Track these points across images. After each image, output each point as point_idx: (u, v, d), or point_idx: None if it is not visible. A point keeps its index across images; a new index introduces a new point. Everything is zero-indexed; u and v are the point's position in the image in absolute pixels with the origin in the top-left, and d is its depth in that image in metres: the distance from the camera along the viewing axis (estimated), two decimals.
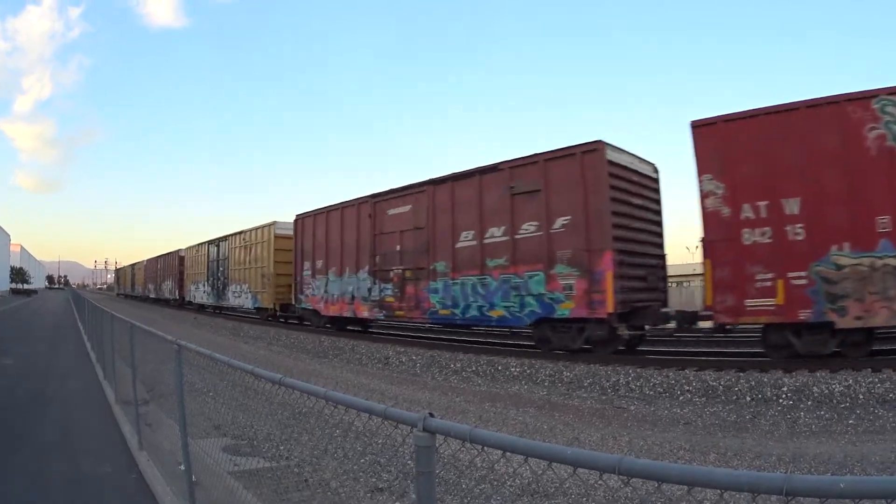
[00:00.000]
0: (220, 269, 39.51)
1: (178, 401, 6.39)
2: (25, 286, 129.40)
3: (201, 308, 45.31)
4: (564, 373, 14.32)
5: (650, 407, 11.70)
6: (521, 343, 20.06)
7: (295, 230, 27.94)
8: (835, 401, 10.73)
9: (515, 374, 15.06)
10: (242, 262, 35.05)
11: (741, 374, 12.39)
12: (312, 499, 6.31)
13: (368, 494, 6.32)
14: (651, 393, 12.55)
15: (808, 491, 1.77)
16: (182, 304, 51.51)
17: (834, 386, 11.04)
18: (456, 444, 2.63)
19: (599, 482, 2.25)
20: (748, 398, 11.42)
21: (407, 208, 20.36)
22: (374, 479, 6.73)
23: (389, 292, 20.98)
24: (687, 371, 13.17)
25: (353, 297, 23.05)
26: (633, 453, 8.33)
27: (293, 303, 28.30)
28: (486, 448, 2.51)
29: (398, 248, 20.64)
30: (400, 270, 20.49)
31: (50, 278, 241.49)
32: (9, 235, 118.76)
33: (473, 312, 17.65)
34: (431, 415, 2.74)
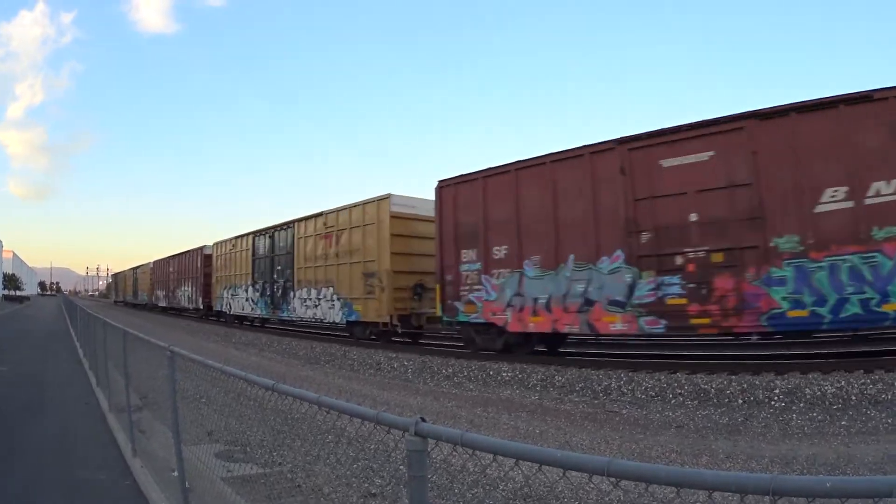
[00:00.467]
0: (278, 267, 29.12)
1: (172, 407, 6.41)
2: (18, 293, 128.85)
3: (240, 321, 35.55)
4: (556, 377, 14.29)
5: (642, 411, 11.70)
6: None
7: (439, 204, 18.97)
8: (827, 402, 10.69)
9: (507, 378, 15.04)
10: (321, 256, 24.93)
11: (733, 376, 12.34)
12: None
13: (361, 500, 6.33)
14: (643, 397, 12.52)
15: (795, 491, 1.79)
16: (206, 314, 41.57)
17: (826, 387, 11.00)
18: (448, 448, 2.66)
19: (591, 485, 2.27)
20: (740, 400, 11.42)
21: (705, 156, 13.42)
22: (366, 485, 6.74)
23: (677, 289, 13.53)
24: (678, 374, 13.09)
25: (586, 302, 14.89)
26: (624, 457, 8.36)
27: (441, 313, 18.79)
28: (477, 452, 2.57)
29: (693, 217, 13.39)
30: (702, 254, 13.24)
31: (42, 285, 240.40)
32: (1, 242, 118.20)
33: (854, 310, 11.75)
34: (423, 419, 2.77)
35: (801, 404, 10.81)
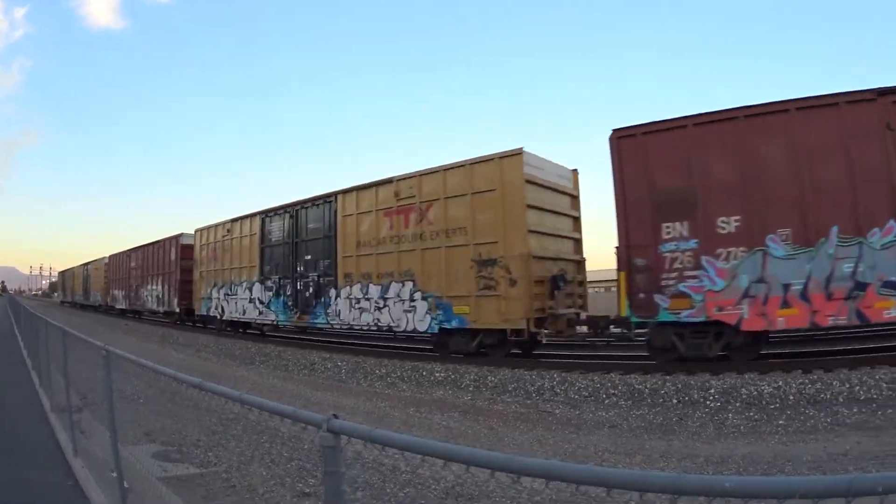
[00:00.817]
0: (306, 256, 21.84)
1: (108, 407, 6.35)
2: None
3: (234, 329, 27.35)
4: (489, 378, 14.18)
5: (575, 410, 11.64)
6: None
7: (618, 162, 13.95)
8: (764, 402, 10.69)
9: (440, 379, 14.91)
10: (389, 238, 18.22)
11: (667, 376, 12.31)
12: None
13: (295, 499, 6.27)
14: (576, 397, 12.43)
15: (695, 490, 1.78)
16: (183, 319, 33.22)
17: (763, 387, 11.00)
18: (379, 449, 2.69)
19: (521, 485, 2.26)
20: (675, 400, 11.40)
21: None
22: (300, 485, 6.70)
23: None
24: (612, 375, 13.03)
25: (857, 286, 11.59)
26: (557, 457, 8.38)
27: (626, 313, 13.56)
28: (386, 449, 2.63)
29: None
30: None
31: None
32: None
33: None
34: (335, 416, 2.82)
35: (738, 404, 10.80)
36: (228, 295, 26.88)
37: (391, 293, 17.96)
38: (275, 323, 24.18)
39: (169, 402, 5.93)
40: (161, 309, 36.11)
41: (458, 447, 2.39)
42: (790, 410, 10.20)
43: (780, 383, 11.00)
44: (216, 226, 28.71)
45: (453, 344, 16.60)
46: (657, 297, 13.04)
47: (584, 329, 16.12)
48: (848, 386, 10.53)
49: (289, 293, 22.40)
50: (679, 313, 12.79)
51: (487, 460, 2.19)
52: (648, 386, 12.05)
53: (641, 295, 13.25)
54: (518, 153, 15.42)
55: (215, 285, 28.19)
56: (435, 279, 16.79)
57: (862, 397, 10.24)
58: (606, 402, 11.99)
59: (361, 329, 20.08)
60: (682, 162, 13.04)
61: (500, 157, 15.70)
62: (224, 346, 23.63)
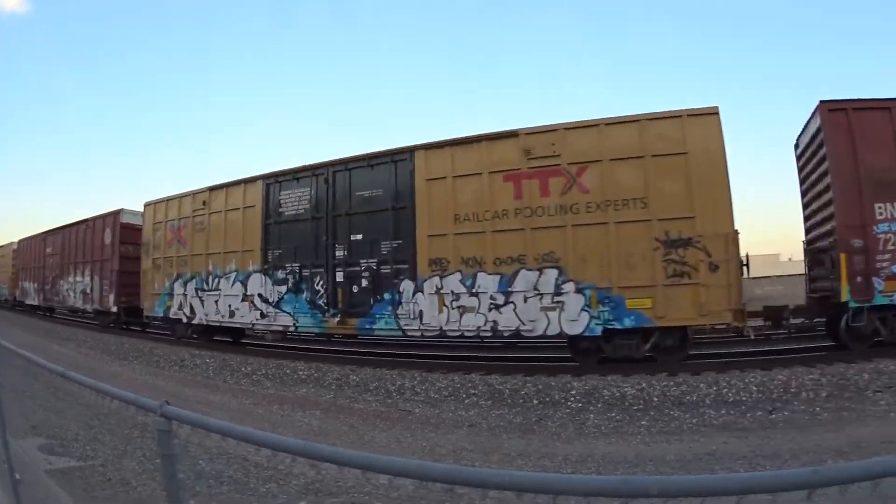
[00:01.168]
0: (354, 235, 15.42)
1: None
2: None
3: (203, 336, 19.81)
4: (351, 376, 14.07)
5: (435, 410, 11.49)
6: (308, 346, 18.83)
7: (833, 140, 12.51)
8: (627, 403, 10.61)
9: (303, 377, 14.70)
10: (509, 211, 13.36)
11: (528, 377, 12.28)
12: (115, 497, 6.23)
13: (164, 493, 6.26)
14: (436, 396, 12.28)
15: (469, 481, 1.95)
16: (118, 320, 24.60)
17: (626, 389, 10.97)
18: (250, 448, 2.91)
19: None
20: (535, 401, 11.27)
21: None
22: None
23: None
24: (473, 375, 12.94)
25: None
26: (416, 455, 8.37)
27: (846, 297, 12.01)
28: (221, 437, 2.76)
29: None
30: None
31: None
32: None
33: None
34: (168, 402, 3.03)
35: (599, 405, 10.70)
36: (203, 290, 19.15)
37: (520, 285, 13.12)
38: (289, 330, 17.18)
39: (52, 397, 5.83)
40: (89, 307, 26.89)
41: (267, 435, 2.58)
42: (654, 411, 10.13)
43: (644, 385, 11.03)
44: (181, 197, 20.56)
45: (614, 348, 12.73)
46: (875, 280, 11.95)
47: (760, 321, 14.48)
48: (716, 388, 10.60)
49: (319, 288, 15.98)
50: (892, 296, 11.87)
51: (283, 445, 2.49)
52: (509, 386, 11.99)
53: (859, 278, 11.97)
54: (714, 112, 12.36)
55: (179, 277, 20.19)
56: (595, 265, 12.65)
57: (731, 399, 10.24)
58: (466, 401, 11.84)
59: (463, 335, 14.01)
60: (887, 142, 12.04)
61: (690, 115, 12.41)
62: (101, 341, 22.44)
